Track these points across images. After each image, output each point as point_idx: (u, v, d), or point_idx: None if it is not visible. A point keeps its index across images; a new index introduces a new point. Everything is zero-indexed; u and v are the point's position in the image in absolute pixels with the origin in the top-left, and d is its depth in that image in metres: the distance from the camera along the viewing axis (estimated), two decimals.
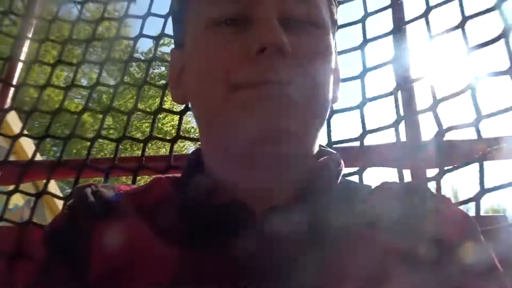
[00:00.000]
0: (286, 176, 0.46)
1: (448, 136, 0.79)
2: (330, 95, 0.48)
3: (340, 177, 0.49)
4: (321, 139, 0.51)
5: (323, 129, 0.51)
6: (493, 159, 0.76)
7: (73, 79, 1.23)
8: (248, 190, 0.45)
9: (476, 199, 0.69)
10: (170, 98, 0.61)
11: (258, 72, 0.42)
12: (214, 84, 0.44)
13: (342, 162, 0.51)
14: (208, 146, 0.50)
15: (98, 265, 0.43)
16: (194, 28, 0.48)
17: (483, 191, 0.68)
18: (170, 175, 0.54)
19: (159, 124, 7.99)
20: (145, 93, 7.82)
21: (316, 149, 0.49)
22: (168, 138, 1.06)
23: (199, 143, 0.53)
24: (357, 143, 0.88)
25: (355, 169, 0.84)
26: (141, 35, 1.19)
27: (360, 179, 0.84)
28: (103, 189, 0.49)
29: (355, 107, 0.91)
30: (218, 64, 0.44)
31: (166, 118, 8.12)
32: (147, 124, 7.98)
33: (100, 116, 1.15)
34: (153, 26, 1.30)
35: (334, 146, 0.90)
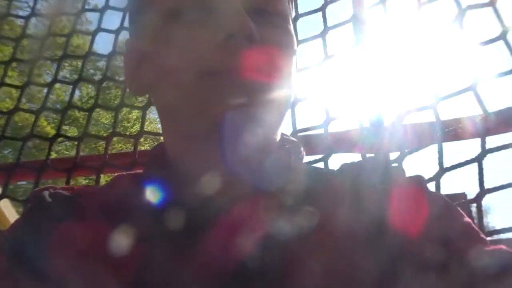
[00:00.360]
0: (250, 163, 0.46)
1: (409, 119, 0.81)
2: (294, 85, 0.48)
3: (302, 163, 0.50)
4: (284, 127, 0.51)
5: (287, 118, 0.51)
6: (452, 140, 0.78)
7: (28, 78, 1.19)
8: (214, 181, 0.44)
9: (436, 178, 0.71)
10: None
11: (226, 59, 0.42)
12: (181, 73, 0.43)
13: (302, 148, 0.51)
14: (173, 136, 0.49)
15: (60, 268, 0.42)
16: (155, 18, 0.47)
17: (442, 170, 0.70)
18: (132, 171, 0.53)
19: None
20: (109, 91, 7.64)
21: (278, 137, 0.49)
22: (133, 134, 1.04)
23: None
24: (321, 130, 0.88)
25: (320, 156, 0.85)
26: (99, 29, 1.16)
27: (326, 165, 0.85)
28: (62, 191, 0.48)
29: (318, 94, 0.92)
30: (185, 53, 0.43)
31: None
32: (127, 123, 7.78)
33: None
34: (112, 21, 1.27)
35: (299, 134, 0.90)
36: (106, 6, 1.16)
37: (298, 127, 0.91)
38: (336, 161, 0.90)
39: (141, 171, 0.52)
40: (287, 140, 0.51)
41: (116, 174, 0.54)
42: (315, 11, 1.03)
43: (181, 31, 0.44)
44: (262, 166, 0.45)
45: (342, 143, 0.89)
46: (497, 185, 0.68)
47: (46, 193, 0.47)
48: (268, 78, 0.43)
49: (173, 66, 0.45)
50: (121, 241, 0.42)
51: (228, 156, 0.45)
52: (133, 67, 0.51)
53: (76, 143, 1.03)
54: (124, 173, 0.53)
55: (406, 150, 0.72)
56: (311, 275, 0.39)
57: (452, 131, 0.73)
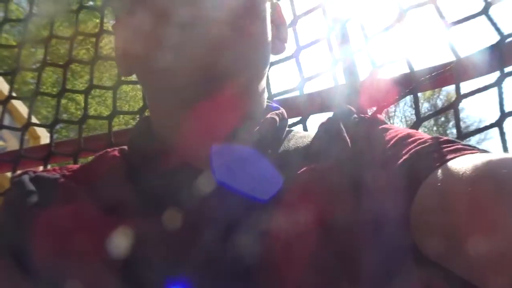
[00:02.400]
0: (225, 127, 0.45)
1: (384, 73, 0.80)
2: (268, 37, 0.47)
3: (285, 126, 0.50)
4: (264, 94, 0.51)
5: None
6: (427, 90, 0.78)
7: None
8: (197, 148, 0.44)
9: (415, 127, 0.71)
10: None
11: (184, 11, 0.41)
12: (146, 37, 0.43)
13: (284, 111, 0.51)
14: (152, 106, 0.49)
15: (43, 254, 0.40)
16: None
17: (419, 120, 0.71)
18: (117, 148, 0.52)
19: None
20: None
21: (262, 104, 0.49)
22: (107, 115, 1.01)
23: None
24: (296, 93, 0.87)
25: (298, 118, 0.85)
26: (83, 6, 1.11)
27: (305, 128, 0.84)
28: (43, 174, 0.46)
29: (290, 56, 0.91)
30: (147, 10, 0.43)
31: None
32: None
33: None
34: None
35: (275, 98, 0.89)
36: None
37: (274, 91, 0.90)
38: (314, 122, 0.90)
39: (125, 147, 0.51)
40: (270, 107, 0.51)
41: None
42: None
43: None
44: (250, 136, 0.45)
45: (318, 103, 0.88)
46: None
47: (26, 177, 0.45)
48: (233, 27, 0.42)
49: (137, 35, 0.44)
50: (108, 217, 0.41)
51: (212, 125, 0.44)
52: (119, 52, 0.51)
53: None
54: (109, 149, 0.51)
55: (384, 104, 0.72)
56: (303, 265, 0.37)
57: (427, 80, 0.73)
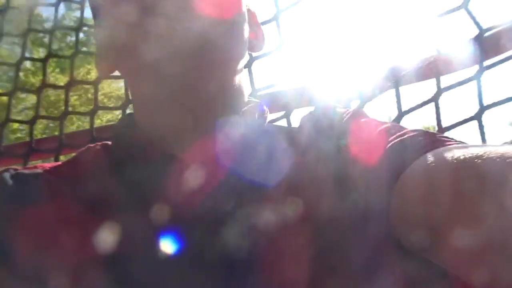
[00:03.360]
0: (209, 119, 0.45)
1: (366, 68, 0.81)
2: (246, 33, 0.47)
3: (266, 122, 0.50)
4: (246, 90, 0.51)
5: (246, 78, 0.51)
6: (408, 83, 0.79)
7: None
8: (183, 140, 0.44)
9: (397, 121, 0.72)
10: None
11: (170, 2, 0.41)
12: (131, 29, 0.43)
13: (266, 108, 0.51)
14: (136, 99, 0.50)
15: (27, 251, 0.40)
16: None
17: (401, 114, 0.72)
18: (100, 142, 0.51)
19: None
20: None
21: (243, 98, 0.49)
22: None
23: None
24: (280, 87, 0.88)
25: (282, 113, 0.85)
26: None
27: (288, 122, 0.84)
28: (24, 171, 0.45)
29: (274, 49, 0.90)
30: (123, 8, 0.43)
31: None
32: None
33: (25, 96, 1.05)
34: None
35: (259, 93, 0.89)
36: None
37: (257, 86, 0.90)
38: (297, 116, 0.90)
39: (109, 142, 0.50)
40: (251, 101, 0.51)
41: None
42: None
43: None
44: (234, 128, 0.45)
45: (303, 97, 0.89)
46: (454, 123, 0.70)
47: (6, 175, 0.44)
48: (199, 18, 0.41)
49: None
50: (91, 213, 0.40)
51: (198, 116, 0.44)
52: (100, 45, 0.50)
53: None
54: (91, 145, 0.50)
55: (363, 97, 0.73)
56: (294, 261, 0.37)
57: (406, 74, 0.74)
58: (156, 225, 0.39)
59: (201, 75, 0.43)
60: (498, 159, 0.29)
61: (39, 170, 0.46)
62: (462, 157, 0.32)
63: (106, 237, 0.39)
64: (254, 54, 0.92)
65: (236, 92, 0.48)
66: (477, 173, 0.30)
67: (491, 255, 0.28)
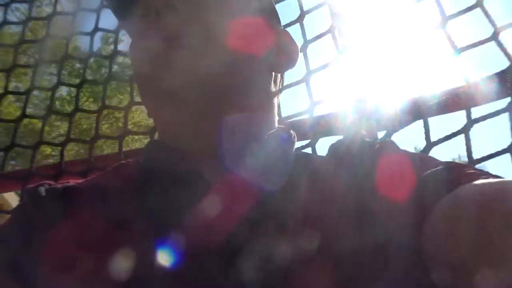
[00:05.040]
0: (231, 140, 0.45)
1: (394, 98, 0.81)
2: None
3: (293, 148, 0.50)
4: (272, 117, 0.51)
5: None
6: (437, 114, 0.78)
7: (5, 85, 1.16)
8: (200, 164, 0.44)
9: (425, 152, 0.71)
10: None
11: (156, 36, 0.44)
12: (152, 60, 0.46)
13: (294, 133, 0.51)
14: (157, 127, 0.54)
15: (47, 268, 0.40)
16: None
17: (429, 145, 0.70)
18: (131, 159, 0.52)
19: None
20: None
21: (270, 122, 0.50)
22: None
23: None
24: (306, 116, 0.88)
25: (307, 141, 0.85)
26: (97, 29, 1.13)
27: (313, 150, 0.84)
28: (58, 186, 0.46)
29: (301, 80, 0.91)
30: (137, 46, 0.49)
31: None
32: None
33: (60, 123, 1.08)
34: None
35: (284, 122, 0.89)
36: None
37: (284, 114, 0.90)
38: (323, 145, 0.90)
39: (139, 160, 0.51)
40: (279, 128, 0.51)
41: None
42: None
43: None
44: (256, 158, 0.45)
45: (328, 126, 0.89)
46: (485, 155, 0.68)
47: (41, 188, 0.45)
48: (195, 39, 0.44)
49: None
50: (115, 241, 0.40)
51: (218, 146, 0.45)
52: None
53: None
54: (124, 161, 0.52)
55: (392, 127, 0.72)
56: None
57: (436, 105, 0.73)
58: (173, 253, 0.39)
59: (220, 105, 0.44)
60: None
61: (72, 184, 0.47)
62: (488, 194, 0.31)
63: (123, 264, 0.39)
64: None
65: (260, 122, 0.48)
66: (505, 211, 0.29)
67: None
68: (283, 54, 0.53)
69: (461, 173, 0.37)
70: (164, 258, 0.39)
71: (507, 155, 0.64)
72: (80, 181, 0.49)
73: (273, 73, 0.52)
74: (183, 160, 0.45)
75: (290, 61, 0.53)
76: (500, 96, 0.69)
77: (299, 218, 0.39)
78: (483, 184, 0.33)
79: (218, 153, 0.45)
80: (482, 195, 0.31)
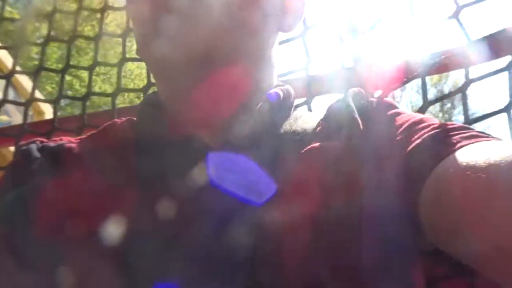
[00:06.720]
0: (230, 103, 0.45)
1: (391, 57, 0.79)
2: (267, 28, 0.47)
3: (293, 108, 0.49)
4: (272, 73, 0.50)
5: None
6: (435, 73, 0.77)
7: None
8: (201, 122, 0.44)
9: (421, 111, 0.70)
10: None
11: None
12: (143, 25, 0.44)
13: (291, 90, 0.50)
14: (157, 83, 0.51)
15: (40, 230, 0.40)
16: None
17: (426, 104, 0.70)
18: (125, 118, 0.51)
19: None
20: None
21: (263, 92, 0.48)
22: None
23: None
24: (302, 73, 0.86)
25: (303, 99, 0.84)
26: None
27: (309, 108, 0.83)
28: (50, 143, 0.46)
29: (297, 36, 0.89)
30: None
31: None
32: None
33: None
34: None
35: (280, 79, 0.88)
36: None
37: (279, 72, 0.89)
38: (319, 104, 0.89)
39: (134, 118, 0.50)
40: (278, 85, 0.50)
41: None
42: None
43: None
44: (246, 126, 0.44)
45: (323, 85, 0.88)
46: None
47: (33, 146, 0.45)
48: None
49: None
50: (115, 186, 0.40)
51: (208, 113, 0.44)
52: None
53: None
54: (117, 120, 0.51)
55: (390, 87, 0.71)
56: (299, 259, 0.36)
57: (435, 64, 0.71)
58: (164, 220, 0.38)
59: (211, 73, 0.43)
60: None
61: (64, 142, 0.46)
62: (494, 156, 0.31)
63: (115, 230, 0.38)
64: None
65: (252, 87, 0.47)
66: (488, 181, 0.30)
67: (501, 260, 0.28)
68: (289, 13, 0.50)
69: (464, 133, 0.37)
70: (156, 222, 0.38)
71: (504, 115, 0.64)
72: (72, 139, 0.48)
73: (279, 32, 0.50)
74: (179, 126, 0.45)
75: (297, 18, 0.51)
76: (500, 55, 0.68)
77: (288, 184, 0.39)
78: (487, 145, 0.34)
79: (214, 121, 0.44)
80: (487, 155, 0.31)
